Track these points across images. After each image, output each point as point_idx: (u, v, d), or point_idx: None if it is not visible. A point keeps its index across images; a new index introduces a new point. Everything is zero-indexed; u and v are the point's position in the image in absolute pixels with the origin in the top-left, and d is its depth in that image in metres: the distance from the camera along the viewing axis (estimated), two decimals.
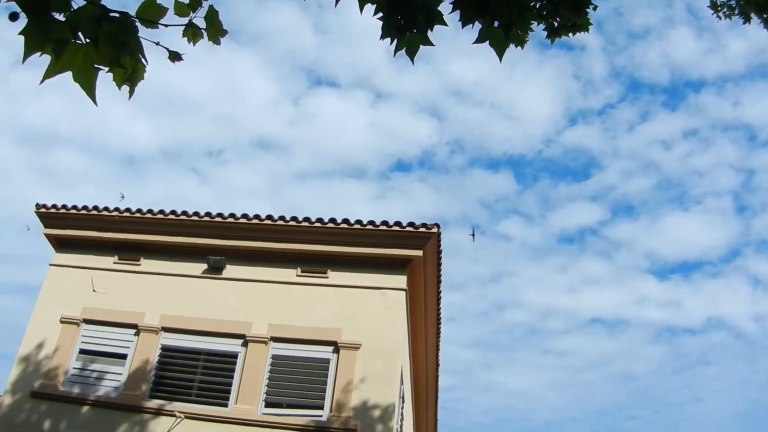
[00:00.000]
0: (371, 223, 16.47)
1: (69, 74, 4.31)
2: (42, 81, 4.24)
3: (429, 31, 5.06)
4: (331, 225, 16.52)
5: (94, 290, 16.57)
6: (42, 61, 4.24)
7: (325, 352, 15.67)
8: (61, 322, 16.29)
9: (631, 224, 73.12)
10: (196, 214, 16.91)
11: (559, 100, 70.69)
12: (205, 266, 16.73)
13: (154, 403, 15.22)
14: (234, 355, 15.78)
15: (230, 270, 16.69)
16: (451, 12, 5.15)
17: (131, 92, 4.67)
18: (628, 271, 71.80)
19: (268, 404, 15.24)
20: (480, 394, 71.05)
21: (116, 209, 17.16)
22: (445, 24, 5.04)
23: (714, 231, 69.37)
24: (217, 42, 5.05)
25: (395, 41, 5.08)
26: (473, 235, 20.15)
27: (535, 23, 5.63)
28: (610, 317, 72.59)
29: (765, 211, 70.09)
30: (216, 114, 64.16)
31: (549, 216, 74.55)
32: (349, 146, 68.48)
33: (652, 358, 71.22)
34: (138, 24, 4.42)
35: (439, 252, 16.93)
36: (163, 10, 4.54)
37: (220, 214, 16.84)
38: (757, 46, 65.32)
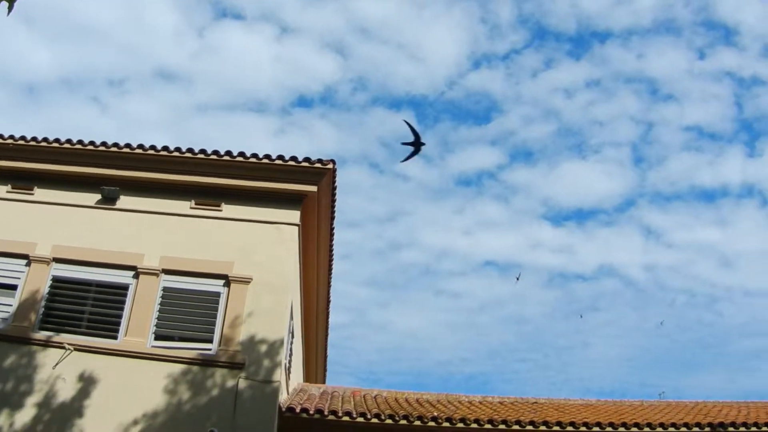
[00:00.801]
0: (267, 156, 16.32)
1: None
2: None
3: None
4: (226, 158, 16.34)
5: None
6: None
7: (216, 285, 15.65)
8: None
9: (529, 170, 73.34)
10: (91, 143, 16.56)
11: (464, 43, 70.30)
12: (99, 196, 16.45)
13: (43, 335, 15.02)
14: (125, 287, 15.64)
15: (124, 201, 16.46)
16: None
17: (10, 8, 4.50)
18: (524, 215, 72.43)
19: (157, 337, 15.20)
20: (373, 333, 71.49)
21: (11, 137, 16.71)
22: None
23: (610, 180, 69.99)
24: None
25: None
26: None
27: None
28: (504, 260, 73.01)
29: (661, 163, 71.01)
30: (119, 43, 62.39)
31: (448, 158, 74.33)
32: (251, 80, 67.45)
33: (544, 303, 72.13)
34: None
35: (334, 188, 16.88)
36: None
37: (115, 144, 16.53)
38: (665, 1, 65.53)
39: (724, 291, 71.22)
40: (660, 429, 15.55)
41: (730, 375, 66.21)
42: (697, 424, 15.77)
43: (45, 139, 16.61)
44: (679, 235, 70.02)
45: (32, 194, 16.63)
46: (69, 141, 16.58)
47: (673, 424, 15.67)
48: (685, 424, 15.73)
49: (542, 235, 70.93)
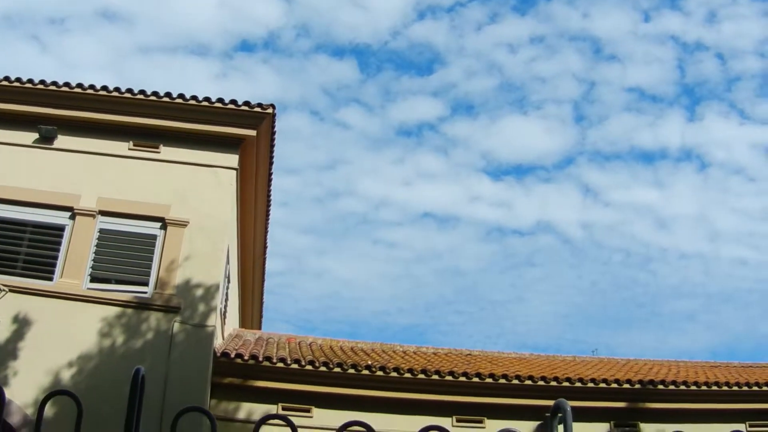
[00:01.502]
0: (206, 99, 16.12)
1: None
2: None
3: None
4: (165, 99, 16.11)
5: None
6: None
7: (152, 228, 15.54)
8: None
9: (469, 123, 72.96)
10: (29, 81, 16.18)
11: None
12: (36, 135, 16.13)
13: None
14: (61, 228, 15.44)
15: (62, 140, 16.15)
16: None
17: None
18: (464, 168, 72.40)
19: (93, 279, 15.07)
20: (310, 281, 71.21)
21: None
22: None
23: (550, 137, 69.76)
24: None
25: None
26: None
27: None
28: (442, 212, 73.10)
29: (602, 122, 71.06)
30: None
31: (389, 107, 73.91)
32: (194, 22, 66.14)
33: (481, 256, 72.36)
34: None
35: (273, 133, 16.72)
36: None
37: (54, 82, 16.20)
38: None
39: (659, 252, 71.92)
40: (591, 384, 15.75)
41: (662, 334, 67.37)
42: (628, 381, 15.98)
43: None
44: (616, 195, 70.60)
45: None
46: (7, 78, 16.20)
47: (605, 380, 15.86)
48: (616, 381, 15.92)
49: (481, 188, 71.13)
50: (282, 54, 75.32)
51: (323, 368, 15.28)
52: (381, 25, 70.99)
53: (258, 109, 16.12)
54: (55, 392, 4.12)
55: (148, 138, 16.32)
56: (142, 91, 16.16)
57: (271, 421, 4.27)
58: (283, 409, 15.00)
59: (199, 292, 14.93)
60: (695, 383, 16.19)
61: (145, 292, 14.95)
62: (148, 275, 15.13)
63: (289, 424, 4.01)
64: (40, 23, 65.17)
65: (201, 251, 15.28)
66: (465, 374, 15.56)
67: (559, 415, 4.45)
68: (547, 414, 15.50)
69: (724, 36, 68.92)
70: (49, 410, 12.61)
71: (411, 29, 71.48)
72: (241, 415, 15.05)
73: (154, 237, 15.46)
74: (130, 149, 16.22)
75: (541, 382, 15.61)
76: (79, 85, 16.20)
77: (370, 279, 71.24)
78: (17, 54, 60.68)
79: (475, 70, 71.72)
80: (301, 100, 74.07)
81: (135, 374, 4.07)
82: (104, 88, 16.19)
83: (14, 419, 13.21)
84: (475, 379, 15.53)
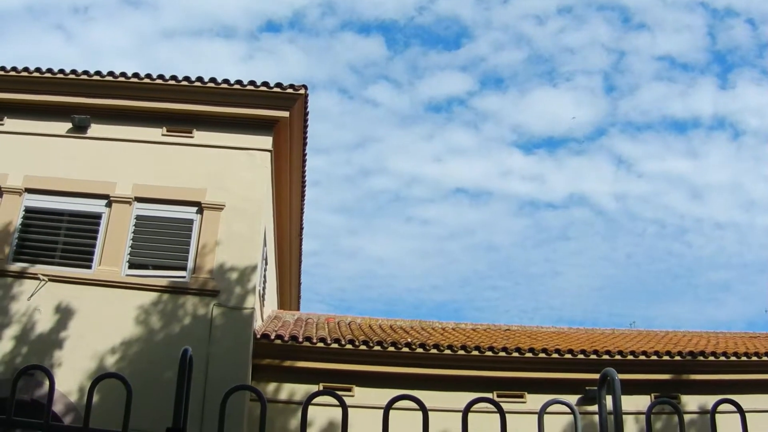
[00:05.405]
0: (238, 82, 16.15)
1: None
2: None
3: None
4: (197, 83, 16.12)
5: None
6: None
7: (188, 212, 15.63)
8: None
9: (499, 97, 72.15)
10: (61, 71, 16.27)
11: None
12: (69, 125, 16.22)
13: (18, 266, 14.94)
14: (98, 216, 15.56)
15: (95, 129, 16.25)
16: None
17: None
18: (494, 143, 71.73)
19: (131, 265, 15.20)
20: (343, 260, 70.76)
21: None
22: None
23: (581, 108, 68.57)
24: None
25: None
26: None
27: None
28: (474, 188, 72.28)
29: (633, 92, 69.80)
30: None
31: (418, 83, 73.24)
32: (218, 5, 65.90)
33: (514, 231, 71.65)
34: None
35: (306, 114, 16.75)
36: None
37: (85, 72, 16.27)
38: None
39: (694, 222, 71.16)
40: (631, 357, 15.66)
41: (698, 306, 66.82)
42: (668, 353, 15.87)
43: (14, 69, 16.29)
44: (649, 165, 69.54)
45: (2, 124, 16.37)
46: (38, 69, 16.29)
47: (645, 353, 15.77)
48: (657, 353, 15.82)
49: (513, 162, 70.45)
50: (308, 33, 75.04)
51: (363, 347, 15.32)
52: (406, 0, 70.57)
53: (290, 90, 16.10)
54: (103, 375, 4.15)
55: (181, 123, 16.36)
56: (173, 77, 16.18)
57: (315, 401, 4.26)
58: (324, 388, 14.99)
59: (237, 274, 14.99)
60: (735, 354, 16.06)
61: (184, 277, 15.05)
62: (186, 260, 15.22)
63: (338, 399, 4.01)
64: (64, 13, 65.42)
65: (238, 234, 15.33)
66: (505, 349, 15.54)
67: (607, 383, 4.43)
68: (588, 387, 15.49)
69: (754, 1, 67.99)
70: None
71: (436, 3, 70.90)
72: (283, 395, 15.14)
73: (190, 221, 15.54)
74: (163, 135, 16.29)
75: (581, 356, 15.55)
76: (111, 74, 16.27)
77: (404, 256, 71.04)
78: (43, 44, 61.04)
79: (503, 42, 71.16)
80: (329, 78, 73.84)
81: (183, 354, 4.10)
82: (135, 75, 16.24)
83: (58, 407, 13.36)
84: (515, 354, 15.51)
